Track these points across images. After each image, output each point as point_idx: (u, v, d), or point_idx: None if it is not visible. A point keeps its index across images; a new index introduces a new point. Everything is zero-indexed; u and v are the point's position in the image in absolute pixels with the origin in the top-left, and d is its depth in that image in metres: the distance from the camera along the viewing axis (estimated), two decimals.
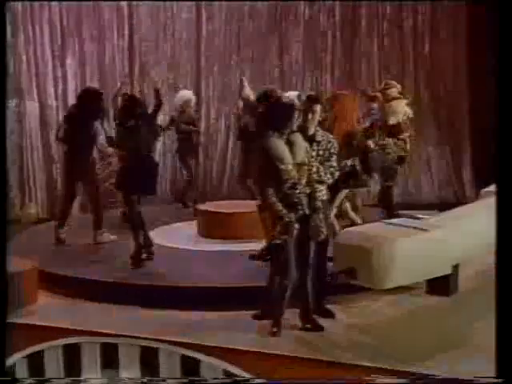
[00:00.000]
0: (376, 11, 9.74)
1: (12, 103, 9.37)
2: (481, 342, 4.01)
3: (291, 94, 4.89)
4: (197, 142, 8.68)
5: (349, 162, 5.37)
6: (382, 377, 3.95)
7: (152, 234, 6.07)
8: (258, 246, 5.66)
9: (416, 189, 9.91)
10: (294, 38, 9.92)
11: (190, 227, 6.81)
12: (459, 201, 8.98)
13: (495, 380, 3.54)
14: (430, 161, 9.91)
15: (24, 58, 9.34)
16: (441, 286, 5.03)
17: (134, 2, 9.74)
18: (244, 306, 4.81)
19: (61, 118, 9.60)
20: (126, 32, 9.83)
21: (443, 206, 7.78)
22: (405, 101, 6.71)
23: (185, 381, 4.18)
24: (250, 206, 6.55)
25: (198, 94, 9.83)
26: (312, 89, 9.60)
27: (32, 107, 9.52)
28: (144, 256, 5.72)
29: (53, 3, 9.43)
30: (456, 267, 5.00)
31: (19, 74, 9.30)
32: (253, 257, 5.59)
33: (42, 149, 9.58)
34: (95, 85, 9.49)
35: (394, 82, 6.99)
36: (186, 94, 8.44)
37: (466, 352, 4.03)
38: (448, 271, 4.91)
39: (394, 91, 6.66)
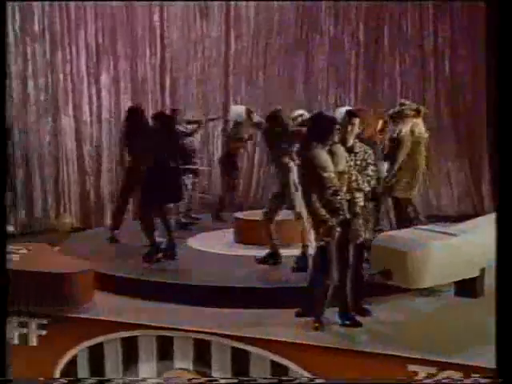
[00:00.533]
0: (397, 31, 10.23)
1: (49, 118, 9.93)
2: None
3: (341, 110, 5.33)
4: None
5: None
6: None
7: (192, 240, 6.54)
8: (287, 251, 6.15)
9: (436, 201, 10.32)
10: (319, 55, 10.41)
11: (227, 234, 7.28)
12: (477, 214, 9.37)
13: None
14: (450, 174, 10.33)
15: (61, 76, 9.88)
16: (468, 288, 5.42)
17: (166, 22, 10.30)
18: (284, 305, 5.23)
19: (95, 132, 10.21)
20: (158, 50, 10.37)
21: (462, 218, 8.17)
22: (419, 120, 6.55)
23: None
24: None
25: (225, 109, 10.35)
26: (336, 105, 10.07)
27: (67, 122, 10.05)
28: (160, 255, 6.24)
29: (89, 23, 9.99)
30: (483, 270, 5.40)
31: (56, 91, 9.84)
32: (259, 260, 6.06)
33: (77, 162, 10.09)
34: (128, 99, 10.13)
35: (408, 102, 6.88)
36: (239, 108, 8.63)
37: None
38: (475, 274, 5.32)
39: (408, 110, 6.50)
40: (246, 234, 6.94)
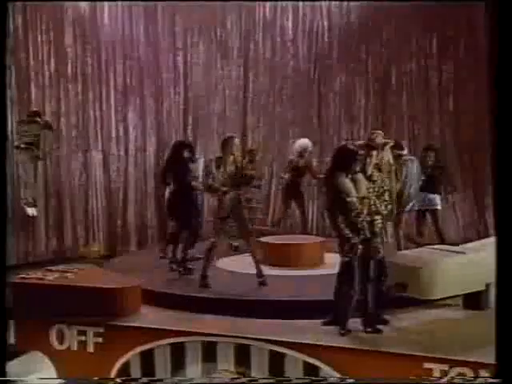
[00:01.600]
0: (404, 69, 11.11)
1: (79, 153, 10.79)
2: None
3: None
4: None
5: None
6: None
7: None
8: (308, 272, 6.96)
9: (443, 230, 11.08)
10: (331, 95, 11.29)
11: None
12: None
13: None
14: (456, 204, 11.12)
15: (92, 113, 10.77)
16: (475, 301, 6.19)
17: (189, 64, 11.23)
18: (311, 316, 6.01)
19: (122, 165, 11.07)
20: (182, 90, 11.28)
21: None
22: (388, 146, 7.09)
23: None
24: (302, 239, 8.06)
25: (244, 143, 11.23)
26: (347, 139, 10.93)
27: (97, 156, 10.92)
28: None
29: (117, 65, 10.91)
30: (488, 285, 6.17)
31: (87, 128, 10.73)
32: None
33: (105, 194, 10.93)
34: (153, 135, 11.04)
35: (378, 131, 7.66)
36: (304, 141, 9.45)
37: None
38: (482, 288, 6.09)
39: (380, 138, 7.12)
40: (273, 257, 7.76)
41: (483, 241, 6.69)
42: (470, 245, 6.46)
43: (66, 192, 10.61)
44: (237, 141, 7.03)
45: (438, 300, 6.14)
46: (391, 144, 7.13)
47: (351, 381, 5.21)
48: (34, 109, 10.05)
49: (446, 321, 6.04)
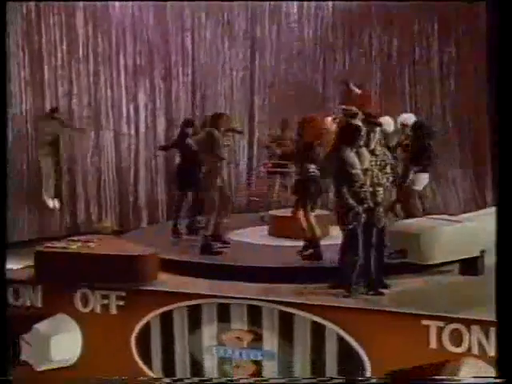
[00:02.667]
0: (407, 51, 11.60)
1: (92, 132, 11.32)
2: None
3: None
4: None
5: None
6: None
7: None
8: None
9: (444, 206, 11.60)
10: (335, 73, 11.79)
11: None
12: None
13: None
14: (456, 181, 11.65)
15: (103, 94, 11.30)
16: (471, 267, 6.74)
17: (197, 45, 11.72)
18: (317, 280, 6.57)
19: (133, 144, 11.60)
20: (190, 70, 11.79)
21: None
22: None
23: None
24: None
25: (251, 120, 11.80)
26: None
27: (109, 135, 11.45)
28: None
29: (128, 47, 11.41)
30: (483, 252, 6.71)
31: (98, 108, 11.25)
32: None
33: (116, 171, 11.47)
34: (162, 115, 11.57)
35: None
36: (408, 116, 8.97)
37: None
38: (477, 254, 6.63)
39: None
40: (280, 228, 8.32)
41: (479, 211, 7.23)
42: (466, 215, 7.01)
43: (79, 170, 11.15)
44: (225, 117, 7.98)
45: (435, 266, 6.68)
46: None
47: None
48: (53, 106, 10.58)
49: (443, 285, 6.59)
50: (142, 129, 11.59)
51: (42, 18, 10.80)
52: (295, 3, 11.87)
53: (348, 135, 6.20)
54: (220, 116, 8.06)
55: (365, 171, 6.18)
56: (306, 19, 11.87)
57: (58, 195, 10.61)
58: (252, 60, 11.96)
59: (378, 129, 6.41)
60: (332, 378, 5.85)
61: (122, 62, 11.40)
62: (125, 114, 11.49)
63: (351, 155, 6.13)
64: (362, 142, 6.24)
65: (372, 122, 6.51)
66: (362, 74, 11.68)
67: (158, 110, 11.64)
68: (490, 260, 6.75)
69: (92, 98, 11.25)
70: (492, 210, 7.34)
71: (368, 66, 11.70)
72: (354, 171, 6.09)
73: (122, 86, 11.44)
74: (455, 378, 5.39)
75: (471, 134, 11.34)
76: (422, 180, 8.25)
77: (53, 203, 10.42)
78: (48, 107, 10.93)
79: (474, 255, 6.64)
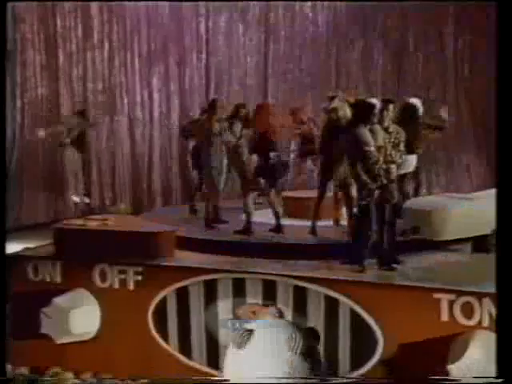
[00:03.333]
0: (422, 35, 11.75)
1: (106, 118, 11.56)
2: None
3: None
4: None
5: None
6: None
7: None
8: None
9: (457, 192, 11.76)
10: (349, 57, 11.96)
11: None
12: None
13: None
14: (470, 167, 11.81)
15: (117, 79, 11.53)
16: (482, 245, 6.90)
17: (211, 31, 11.92)
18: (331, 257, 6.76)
19: (147, 129, 11.83)
20: (204, 56, 11.99)
21: None
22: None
23: None
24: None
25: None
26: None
27: (123, 121, 11.68)
28: None
29: (142, 33, 11.63)
30: (494, 230, 6.85)
31: (114, 94, 11.49)
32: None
33: (130, 156, 11.71)
34: (176, 100, 11.77)
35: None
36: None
37: None
38: (487, 232, 6.78)
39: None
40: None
41: (491, 190, 7.37)
42: (477, 193, 7.18)
43: (94, 155, 11.39)
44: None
45: (447, 243, 6.85)
46: None
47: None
48: (82, 108, 10.80)
49: (455, 262, 6.76)
50: (156, 114, 11.83)
51: (57, 3, 11.05)
52: None
53: (362, 112, 6.38)
54: (214, 102, 8.25)
55: (378, 148, 6.36)
56: (320, 6, 12.03)
57: (87, 193, 10.80)
58: (266, 46, 12.14)
59: (391, 106, 6.57)
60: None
61: (136, 47, 11.64)
62: (139, 100, 11.73)
63: (365, 132, 6.30)
64: (375, 120, 6.42)
65: (386, 99, 6.68)
66: (375, 61, 11.88)
67: (172, 95, 11.86)
68: None
69: (106, 83, 11.50)
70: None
71: (381, 53, 11.87)
72: (367, 148, 6.27)
73: (136, 72, 11.68)
74: (456, 378, 5.55)
75: (484, 117, 11.49)
76: (410, 162, 8.19)
77: (81, 200, 10.60)
78: (62, 93, 11.21)
79: (485, 233, 6.79)
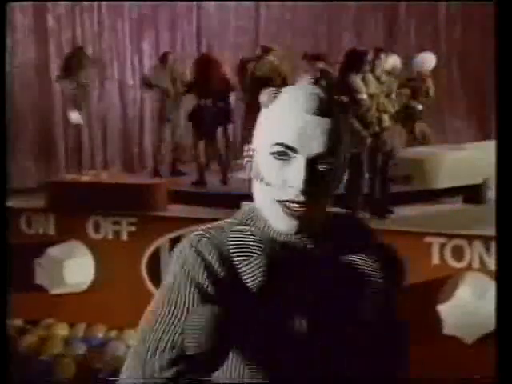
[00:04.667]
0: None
1: (96, 83, 11.64)
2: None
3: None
4: None
5: None
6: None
7: None
8: None
9: None
10: (342, 21, 12.09)
11: None
12: None
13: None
14: (460, 131, 11.97)
15: (108, 44, 11.60)
16: (474, 195, 7.08)
17: None
18: None
19: (138, 95, 11.92)
20: (195, 21, 12.07)
21: None
22: None
23: None
24: None
25: None
26: None
27: (113, 85, 11.76)
28: None
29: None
30: (486, 180, 7.04)
31: (104, 58, 11.57)
32: None
33: (121, 120, 11.81)
34: None
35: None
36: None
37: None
38: (479, 181, 6.97)
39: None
40: None
41: (482, 142, 7.55)
42: (469, 144, 7.35)
43: (84, 119, 11.47)
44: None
45: (440, 194, 7.03)
46: None
47: None
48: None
49: (447, 211, 6.94)
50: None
51: None
52: None
53: (353, 61, 6.51)
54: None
55: (370, 96, 6.50)
56: None
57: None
58: (257, 11, 12.24)
59: (383, 55, 6.71)
60: None
61: (126, 11, 11.70)
62: (129, 65, 11.81)
63: (357, 80, 6.44)
64: (367, 67, 6.56)
65: (378, 48, 6.82)
66: (367, 24, 12.00)
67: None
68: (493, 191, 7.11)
69: (96, 47, 11.56)
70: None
71: (374, 16, 11.99)
72: (359, 96, 6.41)
73: (126, 36, 11.75)
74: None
75: (477, 83, 11.65)
76: None
77: (76, 117, 10.71)
78: (52, 56, 11.28)
79: (477, 182, 6.97)
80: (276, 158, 1.41)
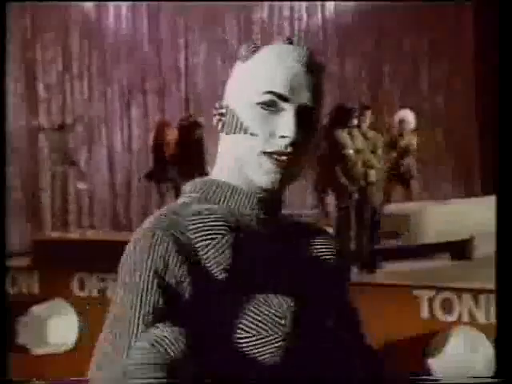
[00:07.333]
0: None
1: (84, 149, 11.71)
2: None
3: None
4: None
5: None
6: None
7: None
8: None
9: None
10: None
11: None
12: None
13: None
14: (445, 189, 12.06)
15: (97, 110, 11.75)
16: (461, 251, 7.07)
17: (190, 62, 12.24)
18: None
19: (127, 159, 11.99)
20: (183, 88, 12.28)
21: None
22: None
23: None
24: None
25: None
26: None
27: (102, 151, 11.84)
28: None
29: (122, 64, 11.90)
30: (472, 236, 7.05)
31: (93, 124, 11.68)
32: None
33: (108, 186, 11.83)
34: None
35: None
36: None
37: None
38: (466, 236, 6.97)
39: None
40: None
41: (469, 199, 7.60)
42: (456, 200, 7.39)
43: (71, 184, 11.50)
44: None
45: (426, 252, 7.01)
46: None
47: None
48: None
49: (434, 266, 6.90)
50: (136, 145, 12.00)
51: (37, 35, 11.29)
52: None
53: (340, 116, 6.59)
54: None
55: (356, 151, 6.55)
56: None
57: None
58: None
59: (368, 112, 6.80)
60: None
61: (115, 77, 11.88)
62: (118, 131, 11.92)
63: (344, 135, 6.51)
64: (354, 123, 6.64)
65: (363, 105, 6.92)
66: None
67: (151, 126, 12.05)
68: (480, 247, 7.12)
69: (86, 113, 11.68)
70: (481, 198, 7.76)
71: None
72: (346, 151, 6.46)
73: (115, 103, 11.90)
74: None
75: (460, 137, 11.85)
76: None
77: (82, 186, 10.82)
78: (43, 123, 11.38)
79: (464, 238, 6.97)
80: (263, 108, 1.35)
